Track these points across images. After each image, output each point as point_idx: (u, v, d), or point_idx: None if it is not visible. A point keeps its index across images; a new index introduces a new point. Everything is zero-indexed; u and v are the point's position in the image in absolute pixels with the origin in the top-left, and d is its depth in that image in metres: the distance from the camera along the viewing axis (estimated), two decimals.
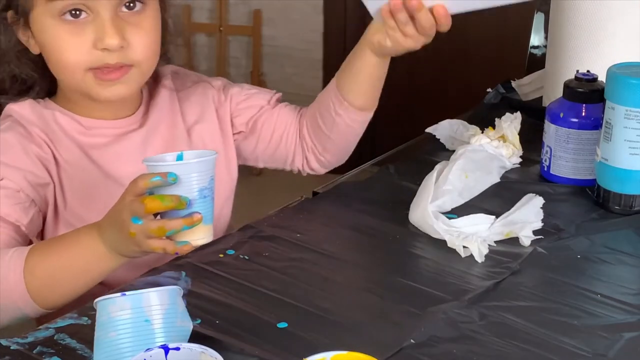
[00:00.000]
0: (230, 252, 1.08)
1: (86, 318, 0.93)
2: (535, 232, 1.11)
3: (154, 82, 1.24)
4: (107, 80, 1.12)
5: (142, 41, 1.12)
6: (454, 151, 1.27)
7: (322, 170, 1.36)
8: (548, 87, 1.53)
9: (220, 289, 1.00)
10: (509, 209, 1.14)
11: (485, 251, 1.08)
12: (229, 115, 1.29)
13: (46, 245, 1.04)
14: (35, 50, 1.14)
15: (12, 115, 1.15)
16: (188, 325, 0.85)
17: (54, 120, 1.16)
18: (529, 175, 1.32)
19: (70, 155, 1.15)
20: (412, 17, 1.10)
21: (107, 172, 1.17)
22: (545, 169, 1.30)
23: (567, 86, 1.28)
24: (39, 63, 1.16)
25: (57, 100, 1.19)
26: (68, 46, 1.10)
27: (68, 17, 1.09)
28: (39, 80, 1.17)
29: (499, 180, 1.28)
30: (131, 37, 1.11)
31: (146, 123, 1.21)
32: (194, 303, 0.95)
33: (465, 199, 1.21)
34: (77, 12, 1.09)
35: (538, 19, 1.83)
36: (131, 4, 1.12)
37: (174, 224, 0.95)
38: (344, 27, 3.16)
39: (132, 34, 1.11)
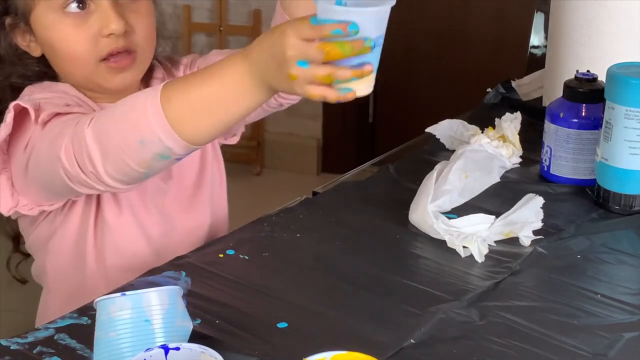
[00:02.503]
0: (230, 252, 1.08)
1: (86, 318, 0.93)
2: (535, 232, 1.11)
3: (147, 74, 1.25)
4: (117, 68, 1.14)
5: (143, 25, 1.15)
6: (454, 151, 1.27)
7: (297, 99, 1.28)
8: (548, 87, 1.53)
9: (220, 289, 1.00)
10: (509, 209, 1.14)
11: (485, 251, 1.08)
12: None
13: (184, 78, 0.98)
14: (36, 52, 1.15)
15: (34, 91, 1.14)
16: (188, 325, 0.85)
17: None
18: (529, 175, 1.32)
19: None
20: None
21: None
22: (545, 169, 1.30)
23: (567, 86, 1.28)
24: (42, 61, 1.17)
25: None
26: (75, 38, 1.12)
27: (74, 9, 1.11)
28: (44, 77, 1.18)
29: (499, 180, 1.28)
30: (133, 22, 1.14)
31: None
32: (194, 303, 0.95)
33: (465, 198, 1.21)
34: (82, 4, 1.11)
35: (538, 19, 1.83)
36: None
37: (343, 74, 0.86)
38: None
39: (133, 20, 1.14)
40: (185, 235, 1.23)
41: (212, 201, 1.28)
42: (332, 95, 0.88)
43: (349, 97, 0.88)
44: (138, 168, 0.97)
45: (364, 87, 0.88)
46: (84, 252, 1.18)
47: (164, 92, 0.94)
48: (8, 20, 1.14)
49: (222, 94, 0.93)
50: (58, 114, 1.06)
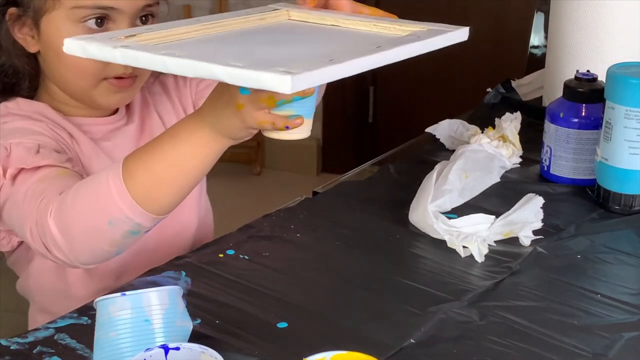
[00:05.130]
0: (230, 252, 1.08)
1: (86, 318, 0.93)
2: (535, 232, 1.11)
3: None
4: (119, 88, 1.14)
5: None
6: (454, 151, 1.27)
7: None
8: (548, 87, 1.54)
9: (220, 289, 1.00)
10: (509, 209, 1.14)
11: (485, 251, 1.08)
12: (191, 99, 1.29)
13: (141, 149, 0.97)
14: (33, 49, 1.13)
15: (12, 113, 1.12)
16: (188, 325, 0.85)
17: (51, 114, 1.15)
18: (529, 175, 1.32)
19: (84, 142, 1.15)
20: None
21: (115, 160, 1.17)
22: (545, 168, 1.30)
23: (567, 86, 1.28)
24: (33, 60, 1.15)
25: (40, 100, 1.17)
26: None
27: (92, 25, 1.10)
28: (30, 77, 1.16)
29: (499, 180, 1.28)
30: None
31: (132, 119, 1.23)
32: (194, 303, 0.95)
33: (465, 199, 1.21)
34: (101, 21, 1.10)
35: (538, 19, 1.83)
36: (143, 17, 1.15)
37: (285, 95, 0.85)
38: None
39: None
40: (174, 238, 1.22)
41: (200, 202, 1.28)
42: (280, 121, 0.88)
43: (297, 122, 0.88)
44: (109, 248, 0.97)
45: (299, 130, 0.90)
46: (68, 273, 1.16)
47: (125, 167, 0.94)
48: (12, 10, 1.12)
49: (178, 155, 0.93)
50: (23, 170, 1.03)
